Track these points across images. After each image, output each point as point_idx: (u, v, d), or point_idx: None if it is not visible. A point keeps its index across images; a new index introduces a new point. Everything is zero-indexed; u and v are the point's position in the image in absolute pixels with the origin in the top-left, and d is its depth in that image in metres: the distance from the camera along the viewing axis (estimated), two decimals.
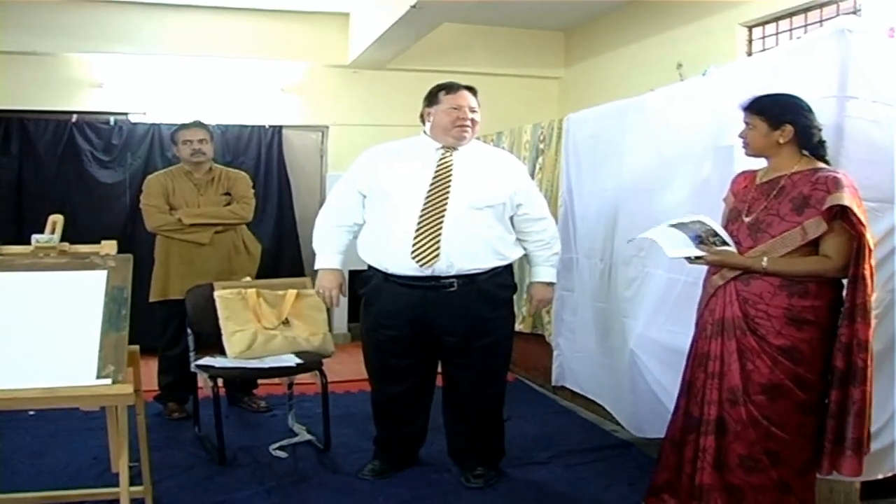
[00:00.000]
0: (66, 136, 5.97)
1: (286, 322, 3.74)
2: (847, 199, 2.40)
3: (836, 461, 2.51)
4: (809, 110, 2.56)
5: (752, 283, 2.55)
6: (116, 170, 6.04)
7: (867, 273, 2.41)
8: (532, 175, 4.59)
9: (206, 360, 3.64)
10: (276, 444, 3.69)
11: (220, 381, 3.69)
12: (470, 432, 3.35)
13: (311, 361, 3.70)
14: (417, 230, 3.08)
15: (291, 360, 3.64)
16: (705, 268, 2.72)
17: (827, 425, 2.50)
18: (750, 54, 5.05)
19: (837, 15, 4.42)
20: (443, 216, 3.09)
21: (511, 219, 3.26)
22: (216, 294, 3.69)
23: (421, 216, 3.10)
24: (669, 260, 2.93)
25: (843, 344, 2.45)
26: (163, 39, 6.12)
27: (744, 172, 2.76)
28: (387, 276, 3.18)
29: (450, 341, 3.19)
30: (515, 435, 3.67)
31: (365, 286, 3.28)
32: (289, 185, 6.45)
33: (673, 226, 2.66)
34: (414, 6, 4.88)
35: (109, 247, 2.72)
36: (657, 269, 3.52)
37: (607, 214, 3.99)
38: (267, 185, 6.25)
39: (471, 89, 3.26)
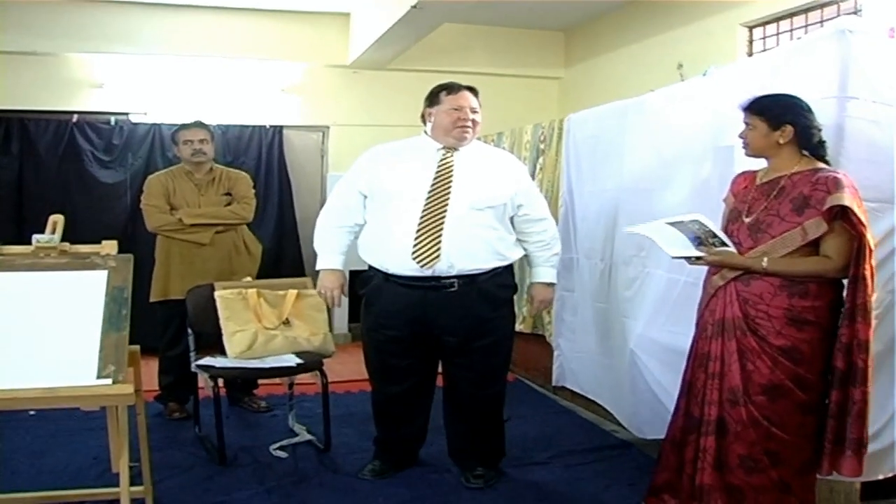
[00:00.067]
0: (67, 137, 5.97)
1: (287, 322, 3.74)
2: (847, 199, 2.40)
3: (836, 461, 2.51)
4: (809, 110, 2.56)
5: (752, 284, 2.55)
6: (117, 170, 6.05)
7: (867, 273, 2.41)
8: (532, 175, 4.60)
9: (207, 360, 3.64)
10: (277, 444, 3.69)
11: (220, 381, 3.69)
12: (470, 432, 3.36)
13: (312, 361, 3.70)
14: (418, 231, 3.08)
15: (292, 360, 3.64)
16: (705, 268, 2.72)
17: (827, 426, 2.50)
18: (750, 55, 5.05)
19: (838, 15, 4.41)
20: (443, 217, 3.09)
21: (511, 219, 3.26)
22: (217, 294, 3.69)
23: (422, 217, 3.10)
24: (669, 260, 2.94)
25: (843, 344, 2.44)
26: (163, 39, 6.13)
27: (744, 173, 2.76)
28: (387, 277, 3.18)
29: (450, 341, 3.20)
30: (515, 435, 3.67)
31: (365, 286, 3.28)
32: (289, 185, 6.45)
33: (671, 224, 2.66)
34: (414, 6, 4.88)
35: (110, 247, 2.72)
36: (657, 270, 3.52)
37: (607, 215, 3.99)
38: (268, 186, 6.25)
39: (472, 90, 3.26)
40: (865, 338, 2.43)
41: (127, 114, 6.21)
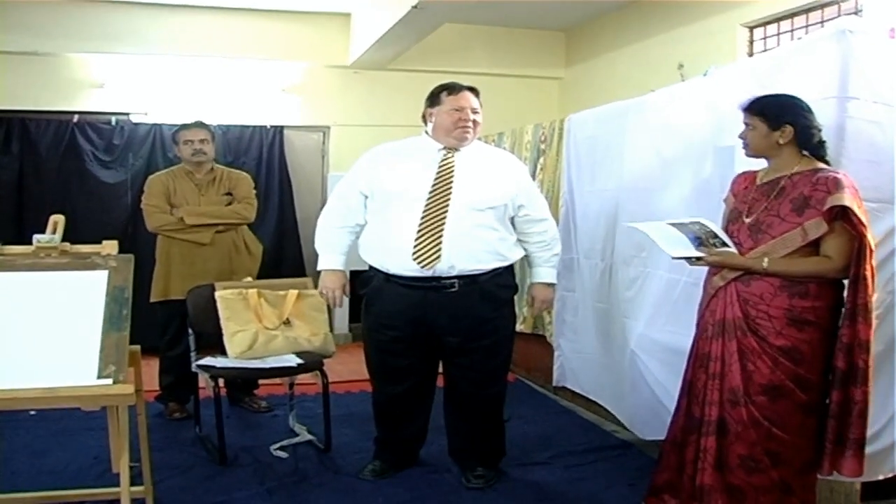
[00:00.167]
0: (68, 137, 5.98)
1: (287, 322, 3.74)
2: (847, 199, 2.40)
3: (836, 462, 2.51)
4: (809, 111, 2.56)
5: (752, 284, 2.55)
6: (118, 170, 6.05)
7: (868, 273, 2.41)
8: (533, 175, 4.60)
9: (207, 360, 3.64)
10: (277, 445, 3.69)
11: (221, 381, 3.69)
12: (470, 432, 3.36)
13: (312, 361, 3.70)
14: (419, 231, 3.08)
15: (292, 361, 3.64)
16: (706, 268, 2.72)
17: (828, 426, 2.50)
18: (751, 55, 5.05)
19: (838, 16, 4.41)
20: (444, 217, 3.09)
21: (512, 220, 3.26)
22: (217, 294, 3.69)
23: (422, 217, 3.10)
24: (670, 260, 2.94)
25: (844, 344, 2.44)
26: (164, 40, 6.13)
27: (744, 173, 2.76)
28: (388, 277, 3.18)
29: (451, 341, 3.20)
30: (516, 435, 3.67)
31: (366, 286, 3.28)
32: (290, 185, 6.46)
33: (672, 224, 2.66)
34: (415, 6, 4.88)
35: (110, 247, 2.72)
36: (658, 270, 3.52)
37: (608, 215, 3.99)
38: (268, 186, 6.26)
39: (473, 90, 3.26)
40: (866, 338, 2.43)
41: (128, 114, 6.22)
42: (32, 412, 4.02)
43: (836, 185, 2.43)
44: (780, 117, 2.55)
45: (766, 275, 2.53)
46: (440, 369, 3.37)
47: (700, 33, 5.34)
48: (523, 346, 4.60)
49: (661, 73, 5.18)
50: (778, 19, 4.93)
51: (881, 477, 2.77)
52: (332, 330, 4.05)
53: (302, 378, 3.89)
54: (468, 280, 3.13)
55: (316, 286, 3.53)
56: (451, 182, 3.15)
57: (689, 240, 2.63)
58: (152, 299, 4.22)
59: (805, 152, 2.58)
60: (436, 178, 3.16)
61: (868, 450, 2.51)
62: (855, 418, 2.45)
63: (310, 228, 3.97)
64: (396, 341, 3.22)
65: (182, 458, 3.58)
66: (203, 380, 3.69)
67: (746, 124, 2.63)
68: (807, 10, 4.73)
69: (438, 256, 3.07)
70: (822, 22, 4.59)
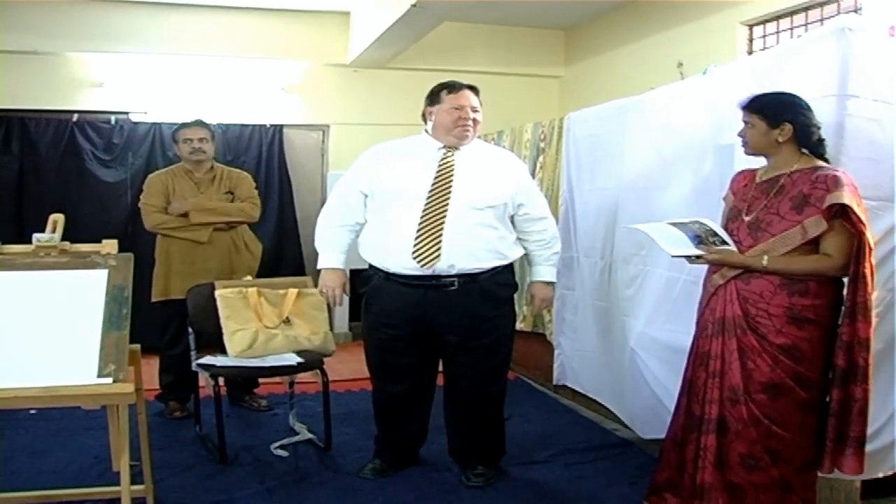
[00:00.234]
0: (67, 136, 5.97)
1: (287, 321, 3.74)
2: (847, 197, 2.40)
3: (837, 460, 2.51)
4: (808, 108, 2.56)
5: (752, 282, 2.55)
6: (118, 169, 6.04)
7: (867, 271, 2.41)
8: (533, 174, 4.60)
9: (208, 359, 3.64)
10: (277, 443, 3.69)
11: (221, 380, 3.69)
12: (471, 431, 3.36)
13: (312, 360, 3.70)
14: (419, 230, 3.08)
15: (292, 359, 3.64)
16: (706, 267, 2.72)
17: (828, 424, 2.50)
18: (750, 53, 5.05)
19: (838, 13, 4.42)
20: (444, 216, 3.09)
21: (512, 218, 3.26)
22: (217, 293, 3.69)
23: (422, 216, 3.10)
24: (670, 259, 2.94)
25: (844, 342, 2.45)
26: (164, 39, 6.13)
27: (743, 171, 2.76)
28: (388, 276, 3.18)
29: (451, 340, 3.20)
30: (516, 434, 3.67)
31: (366, 285, 3.28)
32: (290, 184, 6.45)
33: (671, 224, 2.66)
34: (414, 5, 4.88)
35: (110, 246, 2.72)
36: (657, 268, 3.52)
37: (608, 213, 3.99)
38: (268, 185, 6.25)
39: (473, 88, 3.26)
40: (866, 336, 2.43)
41: (127, 113, 6.21)
42: (32, 411, 4.02)
43: (835, 184, 2.43)
44: (779, 115, 2.55)
45: (765, 273, 2.53)
46: (440, 368, 3.37)
47: (699, 32, 5.34)
48: (523, 345, 4.60)
49: (661, 72, 5.18)
50: (777, 17, 4.93)
51: (881, 475, 2.78)
52: (332, 329, 4.05)
53: (302, 377, 3.89)
54: (468, 279, 3.13)
55: (316, 285, 3.53)
56: (451, 181, 3.15)
57: (688, 238, 2.63)
58: (153, 299, 4.22)
59: (804, 150, 2.58)
60: (436, 177, 3.16)
61: (868, 448, 2.52)
62: (855, 416, 2.45)
63: (309, 227, 3.96)
64: (396, 340, 3.22)
65: (182, 457, 3.58)
66: (203, 379, 3.70)
67: (745, 122, 2.63)
68: (806, 8, 4.73)
69: (438, 255, 3.07)
70: (821, 20, 4.59)
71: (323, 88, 6.68)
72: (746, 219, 2.62)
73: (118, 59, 6.16)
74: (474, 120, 3.22)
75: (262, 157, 6.35)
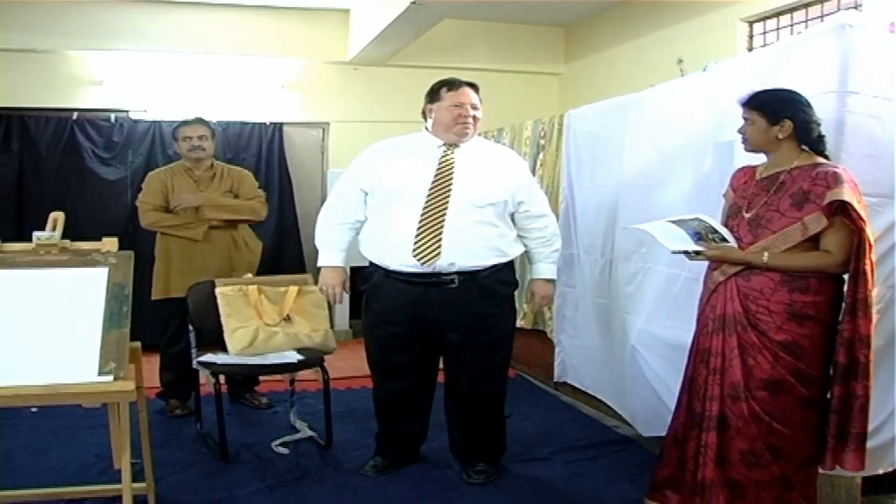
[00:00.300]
0: (67, 134, 5.97)
1: (288, 319, 3.74)
2: (847, 194, 2.40)
3: (838, 456, 2.51)
4: (808, 105, 2.56)
5: (752, 279, 2.55)
6: (118, 167, 6.04)
7: (868, 268, 2.41)
8: (533, 171, 4.60)
9: (208, 357, 3.64)
10: (278, 441, 3.70)
11: (221, 378, 3.69)
12: (471, 428, 3.36)
13: (313, 358, 3.70)
14: (419, 227, 3.08)
15: (293, 357, 3.64)
16: (706, 263, 2.72)
17: (829, 420, 2.50)
18: (750, 50, 5.05)
19: (838, 10, 4.41)
20: (444, 213, 3.09)
21: (512, 216, 3.26)
22: (217, 291, 3.69)
23: (422, 213, 3.10)
24: (670, 256, 2.93)
25: (844, 339, 2.45)
26: (163, 36, 6.12)
27: (743, 168, 2.76)
28: (388, 273, 3.18)
29: (451, 338, 3.20)
30: (516, 431, 3.67)
31: (366, 283, 3.29)
32: (290, 181, 6.45)
33: (672, 222, 2.66)
34: (414, 2, 4.87)
35: (110, 244, 2.72)
36: (658, 265, 3.52)
37: (608, 210, 3.99)
38: (268, 182, 6.23)
39: (473, 86, 3.25)
40: (867, 332, 2.43)
41: (127, 111, 6.21)
42: (33, 409, 4.02)
43: (835, 180, 2.43)
44: (778, 112, 2.55)
45: (766, 270, 2.53)
46: (441, 365, 3.37)
47: (699, 28, 5.33)
48: (524, 342, 4.60)
49: (661, 69, 5.18)
50: (777, 14, 4.93)
51: (881, 471, 2.79)
52: (332, 326, 4.05)
53: (303, 374, 3.89)
54: (468, 276, 3.13)
55: (316, 282, 3.53)
56: (451, 178, 3.15)
57: (688, 235, 2.63)
58: (154, 297, 4.22)
59: (804, 147, 2.58)
60: (436, 175, 3.16)
61: (869, 444, 2.52)
62: (856, 413, 2.45)
63: (310, 225, 3.96)
64: (397, 337, 3.22)
65: (183, 454, 3.58)
66: (204, 376, 3.70)
67: (745, 119, 2.63)
68: (806, 5, 4.72)
69: (438, 253, 3.07)
70: (821, 16, 4.59)
71: (323, 86, 6.67)
72: (746, 215, 2.62)
73: (118, 56, 6.15)
74: (474, 117, 3.21)
75: (262, 154, 6.34)
